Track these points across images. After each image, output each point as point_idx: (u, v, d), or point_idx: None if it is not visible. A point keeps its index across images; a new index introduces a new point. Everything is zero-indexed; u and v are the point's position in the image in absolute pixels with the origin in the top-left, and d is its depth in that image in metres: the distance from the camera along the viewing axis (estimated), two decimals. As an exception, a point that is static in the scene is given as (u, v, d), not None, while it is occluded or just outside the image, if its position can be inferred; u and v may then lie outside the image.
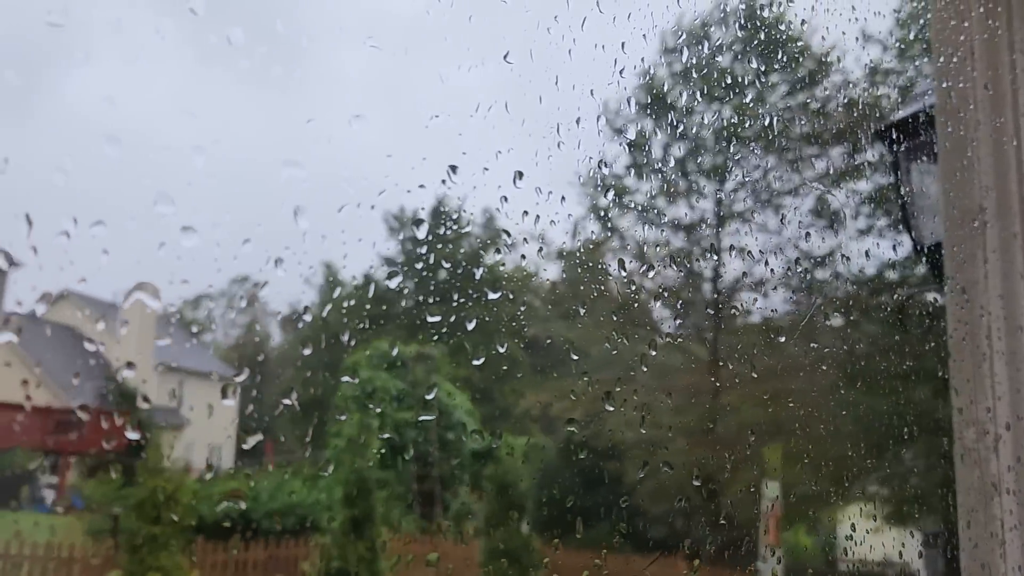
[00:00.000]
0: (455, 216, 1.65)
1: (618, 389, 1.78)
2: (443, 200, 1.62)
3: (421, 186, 1.55)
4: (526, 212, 1.64)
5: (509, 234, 1.64)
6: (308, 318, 1.49)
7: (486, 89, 1.62)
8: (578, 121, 1.74)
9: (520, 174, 1.62)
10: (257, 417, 1.38)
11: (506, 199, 1.61)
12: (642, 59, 1.83)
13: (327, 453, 12.40)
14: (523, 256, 1.67)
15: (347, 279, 1.58)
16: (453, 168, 1.55)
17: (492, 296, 1.65)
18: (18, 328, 1.17)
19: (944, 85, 2.59)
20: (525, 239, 1.65)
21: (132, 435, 1.38)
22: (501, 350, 1.79)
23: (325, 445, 12.40)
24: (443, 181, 1.54)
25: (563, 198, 1.66)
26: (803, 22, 2.41)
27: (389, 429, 11.99)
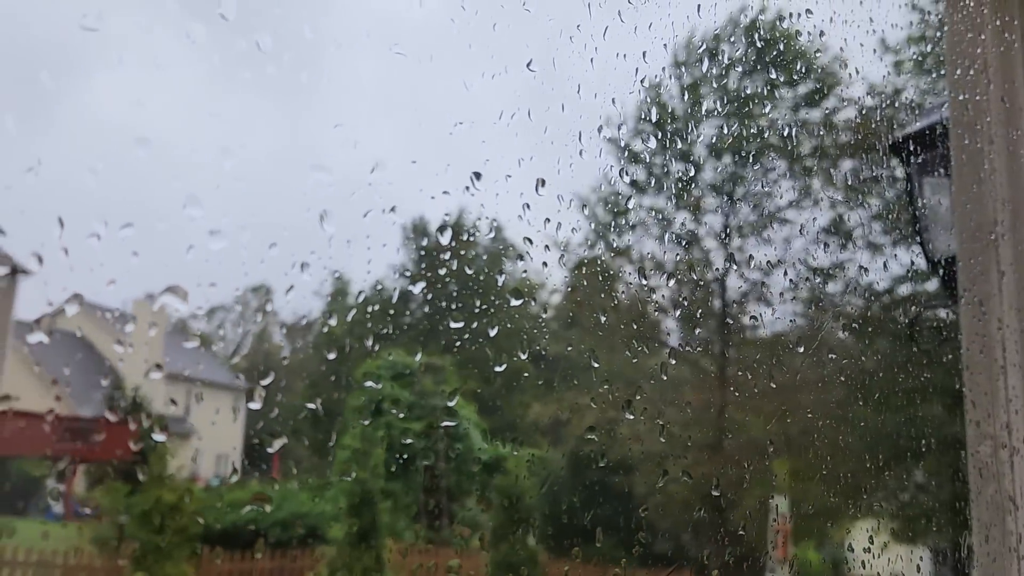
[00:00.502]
0: (477, 222, 1.65)
1: (639, 398, 1.78)
2: (465, 208, 1.63)
3: (445, 192, 1.56)
4: (548, 219, 1.65)
5: (531, 241, 1.65)
6: (333, 321, 1.49)
7: (509, 96, 1.63)
8: (600, 129, 1.75)
9: (542, 181, 1.63)
10: (282, 421, 1.39)
11: (528, 206, 1.62)
12: (663, 68, 1.84)
13: (335, 464, 12.39)
14: (545, 264, 1.68)
15: (365, 287, 1.58)
16: (477, 175, 1.56)
17: (515, 303, 1.65)
18: (49, 330, 1.18)
19: (960, 98, 2.59)
20: (547, 246, 1.66)
21: (159, 437, 1.38)
22: (522, 356, 1.78)
23: (334, 456, 12.42)
24: (467, 188, 1.55)
25: (584, 206, 1.67)
26: (821, 33, 2.42)
27: (397, 440, 11.97)
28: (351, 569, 9.50)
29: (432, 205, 1.55)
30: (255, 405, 1.27)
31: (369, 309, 1.58)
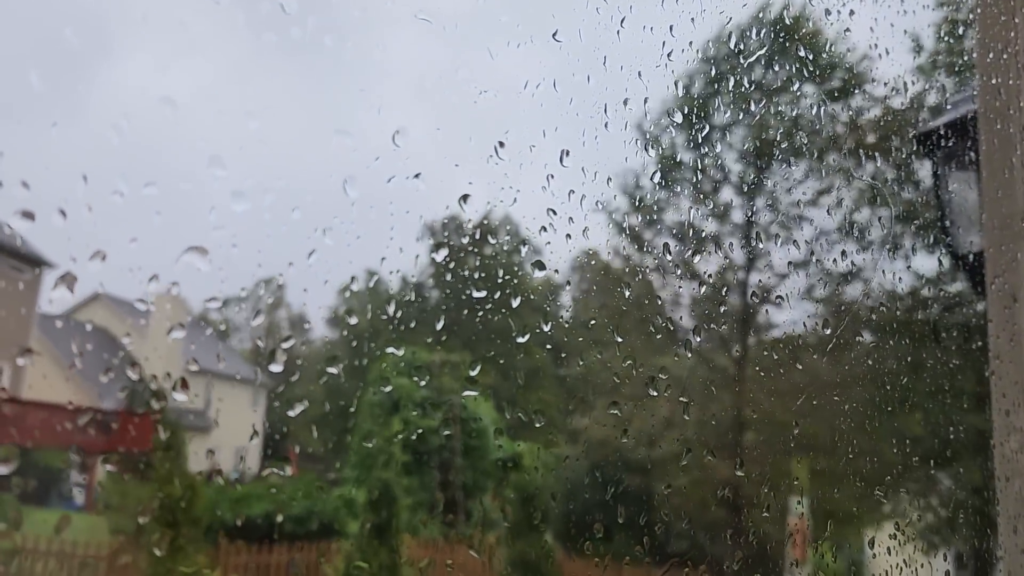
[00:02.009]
0: (501, 191, 1.63)
1: (663, 376, 1.76)
2: (490, 179, 1.61)
3: (469, 161, 1.54)
4: (572, 191, 1.63)
5: (555, 212, 1.63)
6: (355, 287, 1.48)
7: (534, 67, 1.61)
8: (626, 102, 1.73)
9: (567, 152, 1.60)
10: (302, 387, 1.37)
11: (552, 177, 1.60)
12: (690, 42, 1.81)
13: (351, 459, 12.42)
14: (568, 236, 1.66)
15: (388, 253, 1.55)
16: (500, 144, 1.54)
17: (538, 274, 1.63)
18: (71, 284, 1.18)
19: (992, 82, 2.55)
20: (571, 218, 1.64)
21: (180, 396, 1.38)
22: (546, 328, 1.77)
23: (350, 449, 12.46)
24: (490, 156, 1.53)
25: (609, 179, 1.64)
26: (851, 12, 2.38)
27: (413, 436, 11.99)
28: (368, 563, 9.51)
29: (456, 172, 1.53)
30: (276, 367, 1.26)
31: (391, 275, 1.57)
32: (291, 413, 1.29)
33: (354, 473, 12.53)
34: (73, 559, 9.60)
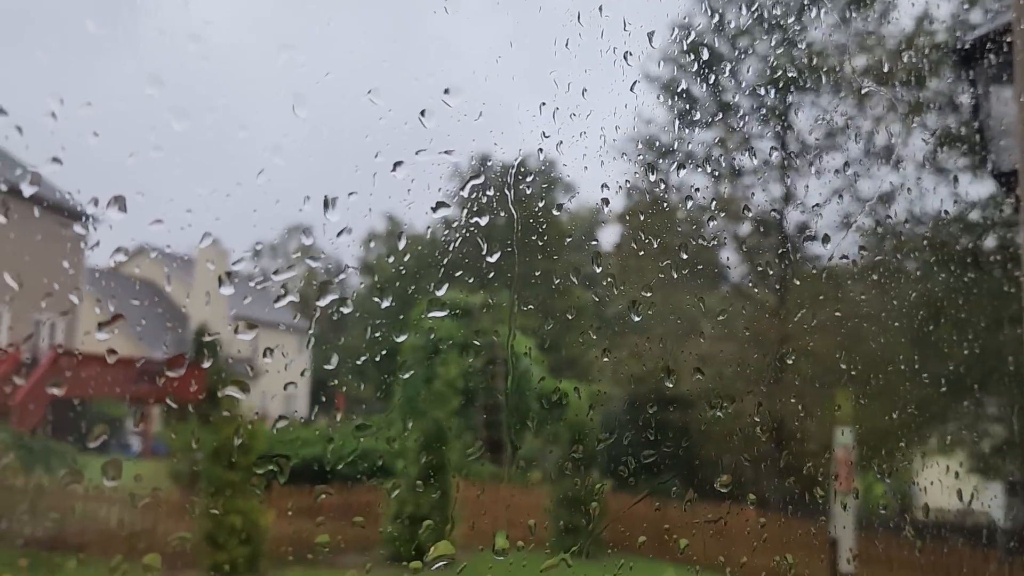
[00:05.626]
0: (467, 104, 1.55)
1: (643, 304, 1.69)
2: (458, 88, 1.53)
3: (430, 75, 1.47)
4: (544, 103, 1.55)
5: (522, 123, 1.55)
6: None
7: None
8: (600, 9, 1.63)
9: (535, 66, 1.53)
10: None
11: (520, 91, 1.52)
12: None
13: (396, 402, 12.57)
14: (540, 150, 1.59)
15: (343, 175, 1.48)
16: (449, 92, 1.45)
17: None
18: (5, 209, 1.16)
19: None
20: (544, 133, 1.57)
21: (247, 333, 1.39)
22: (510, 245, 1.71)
23: (394, 392, 12.61)
24: (449, 88, 1.45)
25: (584, 90, 1.56)
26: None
27: (456, 377, 12.07)
28: (418, 504, 9.67)
29: (416, 86, 1.46)
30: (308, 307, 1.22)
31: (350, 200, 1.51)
32: (333, 361, 1.27)
33: (400, 415, 12.74)
34: (137, 499, 9.95)
